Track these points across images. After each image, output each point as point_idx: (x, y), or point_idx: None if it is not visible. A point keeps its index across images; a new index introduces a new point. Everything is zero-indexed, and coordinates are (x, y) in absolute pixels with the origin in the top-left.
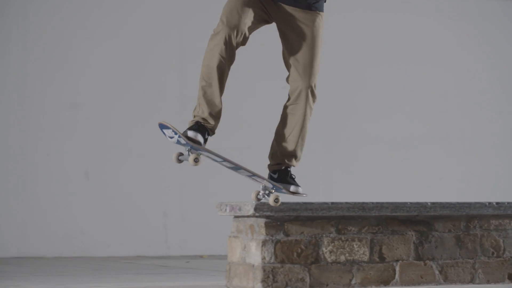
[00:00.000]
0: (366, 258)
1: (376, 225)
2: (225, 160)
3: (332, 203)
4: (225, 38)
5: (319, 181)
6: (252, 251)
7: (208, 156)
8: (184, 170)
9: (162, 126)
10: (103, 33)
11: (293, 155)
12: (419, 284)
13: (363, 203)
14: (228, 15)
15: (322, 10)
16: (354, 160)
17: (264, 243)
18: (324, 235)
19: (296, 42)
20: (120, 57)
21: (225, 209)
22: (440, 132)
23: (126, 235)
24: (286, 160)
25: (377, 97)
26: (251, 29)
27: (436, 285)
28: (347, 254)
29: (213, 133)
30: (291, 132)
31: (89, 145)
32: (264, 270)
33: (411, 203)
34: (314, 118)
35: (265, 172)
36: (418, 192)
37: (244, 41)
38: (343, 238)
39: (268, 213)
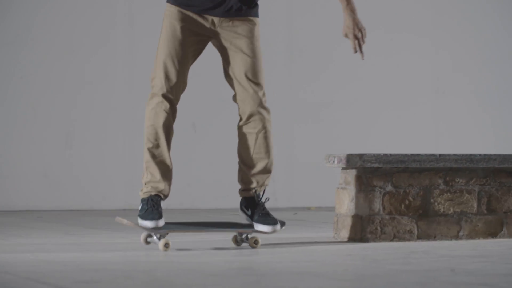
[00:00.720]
0: (474, 210)
1: (484, 177)
2: (193, 225)
3: (440, 155)
4: (167, 95)
5: (426, 133)
6: (360, 202)
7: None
8: (292, 122)
9: (120, 222)
10: None
11: (266, 172)
12: None
13: (471, 155)
14: (165, 69)
15: (257, 16)
16: (460, 111)
17: (372, 194)
18: (432, 187)
19: (237, 58)
20: None
21: (333, 161)
22: None
23: (233, 188)
24: (259, 181)
25: (482, 48)
26: (191, 64)
27: None
28: (455, 206)
29: (166, 197)
30: (253, 151)
31: (196, 97)
32: (372, 222)
33: None
34: (420, 71)
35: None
36: None
37: (185, 87)
38: (451, 190)
39: (376, 165)
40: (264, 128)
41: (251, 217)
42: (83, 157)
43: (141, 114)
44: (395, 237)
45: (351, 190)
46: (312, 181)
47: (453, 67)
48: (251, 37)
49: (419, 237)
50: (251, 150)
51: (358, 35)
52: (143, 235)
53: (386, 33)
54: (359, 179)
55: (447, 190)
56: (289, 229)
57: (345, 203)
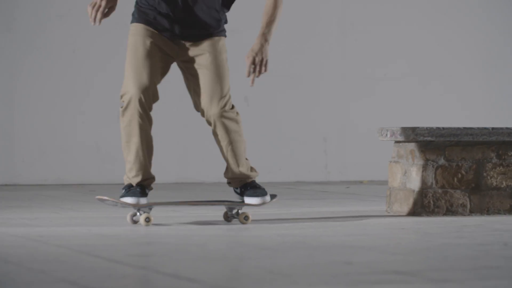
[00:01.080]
0: None
1: None
2: (179, 203)
3: (493, 128)
4: (139, 104)
5: (479, 106)
6: (412, 176)
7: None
8: (345, 96)
9: (101, 201)
10: None
11: (245, 175)
12: None
13: None
14: (134, 79)
15: (224, 36)
16: None
17: (424, 168)
18: (485, 161)
19: (201, 73)
20: None
21: (386, 134)
22: None
23: (286, 161)
24: (244, 179)
25: None
26: (159, 80)
27: None
28: (508, 180)
29: (151, 188)
30: (228, 155)
31: None
32: (425, 195)
33: None
34: (472, 44)
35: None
36: None
37: (156, 99)
38: (504, 164)
39: (429, 138)
40: (231, 141)
41: (241, 194)
42: None
43: None
44: (448, 211)
45: (404, 163)
46: (364, 154)
47: (505, 40)
48: (213, 52)
49: (471, 211)
50: (227, 153)
51: (257, 62)
52: (129, 215)
53: (438, 7)
54: (411, 152)
55: (500, 164)
56: (342, 202)
57: (398, 176)
